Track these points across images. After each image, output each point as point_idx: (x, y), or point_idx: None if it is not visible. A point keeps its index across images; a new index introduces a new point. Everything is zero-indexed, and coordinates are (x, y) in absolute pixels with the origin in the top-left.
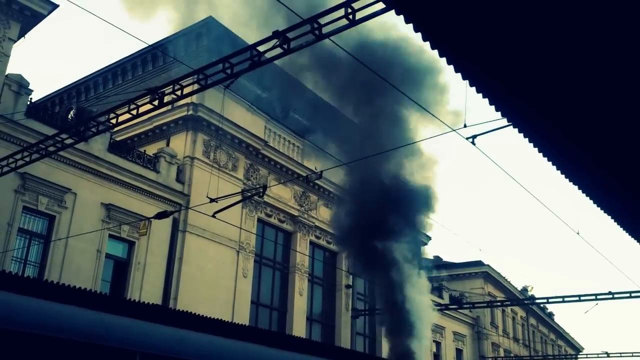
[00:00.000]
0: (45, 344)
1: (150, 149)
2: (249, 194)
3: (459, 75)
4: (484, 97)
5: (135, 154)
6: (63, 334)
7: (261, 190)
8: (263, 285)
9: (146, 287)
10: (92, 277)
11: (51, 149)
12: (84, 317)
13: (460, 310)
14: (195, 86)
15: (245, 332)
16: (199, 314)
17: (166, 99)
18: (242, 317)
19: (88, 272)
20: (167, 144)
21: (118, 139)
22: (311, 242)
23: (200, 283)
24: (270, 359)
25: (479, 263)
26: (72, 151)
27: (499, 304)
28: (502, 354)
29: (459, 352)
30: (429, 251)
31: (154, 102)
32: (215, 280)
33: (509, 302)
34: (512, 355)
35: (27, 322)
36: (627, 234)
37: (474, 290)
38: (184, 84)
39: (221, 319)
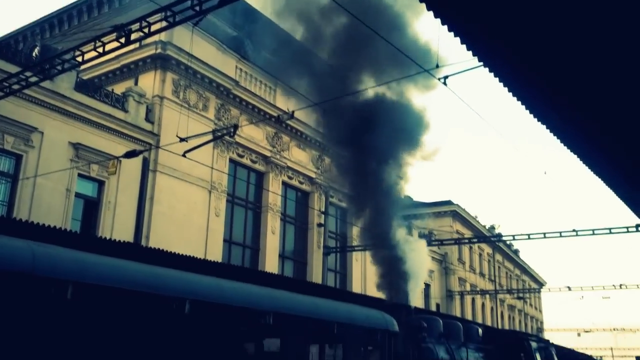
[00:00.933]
0: (104, 294)
1: (119, 88)
2: (220, 134)
3: (433, 18)
4: (455, 36)
5: (103, 93)
6: (124, 285)
7: (232, 130)
8: (235, 224)
9: (117, 226)
10: (62, 216)
11: (15, 87)
12: (137, 269)
13: (428, 247)
14: (163, 23)
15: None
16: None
17: (133, 36)
18: (215, 255)
19: (58, 211)
20: (136, 83)
21: (85, 77)
22: (284, 183)
23: (171, 222)
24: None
25: (448, 202)
26: (38, 89)
27: (466, 241)
28: (468, 288)
29: (427, 286)
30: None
31: (120, 40)
32: (187, 220)
33: (476, 240)
34: (477, 289)
35: (89, 274)
36: (592, 172)
37: (442, 228)
38: (151, 22)
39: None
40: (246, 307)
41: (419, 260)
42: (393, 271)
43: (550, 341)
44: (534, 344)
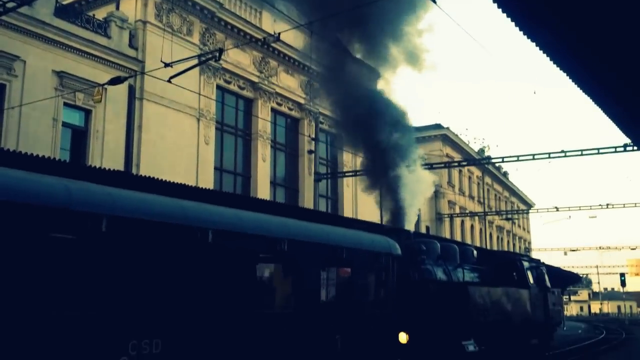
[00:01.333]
0: (136, 227)
1: (100, 14)
2: (205, 58)
3: None
4: None
5: (83, 18)
6: (154, 217)
7: (217, 54)
8: (226, 152)
9: (107, 155)
10: (50, 145)
11: None
12: (165, 202)
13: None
14: None
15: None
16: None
17: None
18: (207, 183)
19: (45, 140)
20: (117, 8)
21: (64, 2)
22: (273, 109)
23: (161, 151)
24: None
25: (437, 126)
26: (16, 16)
27: (456, 164)
28: (457, 210)
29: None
30: None
31: None
32: (177, 148)
33: (465, 163)
34: (467, 211)
35: (121, 208)
36: (582, 90)
37: (432, 152)
38: None
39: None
40: (264, 235)
41: (418, 184)
42: (394, 196)
43: (541, 260)
44: (525, 264)
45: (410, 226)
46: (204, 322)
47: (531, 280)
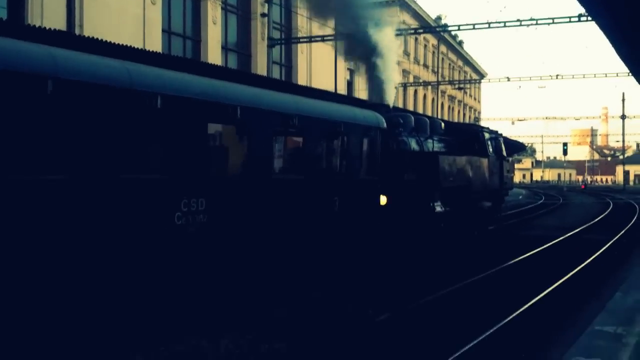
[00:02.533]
0: (185, 104)
1: None
2: None
3: None
4: None
5: None
6: (198, 96)
7: None
8: (174, 14)
9: (47, 14)
10: None
11: None
12: (204, 82)
13: None
14: None
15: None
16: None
17: None
18: (154, 46)
19: None
20: None
21: None
22: None
23: (105, 11)
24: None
25: None
26: None
27: (412, 31)
28: (411, 80)
29: None
30: None
31: None
32: (121, 8)
33: (422, 30)
34: (420, 80)
35: (172, 87)
36: None
37: (389, 18)
38: None
39: None
40: (279, 111)
41: (390, 53)
42: (371, 69)
43: (499, 132)
44: (486, 135)
45: (390, 99)
46: (238, 185)
47: (490, 150)
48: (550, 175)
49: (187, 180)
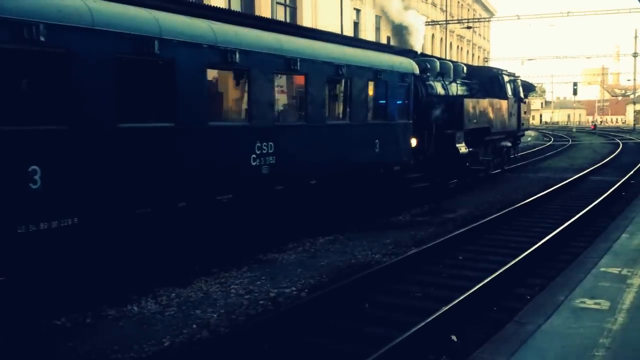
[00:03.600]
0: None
1: None
2: None
3: None
4: None
5: None
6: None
7: None
8: None
9: None
10: None
11: None
12: (267, 37)
13: None
14: None
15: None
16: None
17: None
18: None
19: None
20: None
21: None
22: None
23: None
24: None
25: None
26: None
27: None
28: None
29: (378, 18)
30: None
31: None
32: None
33: None
34: (429, 20)
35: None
36: None
37: None
38: None
39: None
40: (330, 62)
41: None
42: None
43: (516, 74)
44: (506, 78)
45: (417, 45)
46: (299, 129)
47: (509, 93)
48: (559, 116)
49: (260, 127)
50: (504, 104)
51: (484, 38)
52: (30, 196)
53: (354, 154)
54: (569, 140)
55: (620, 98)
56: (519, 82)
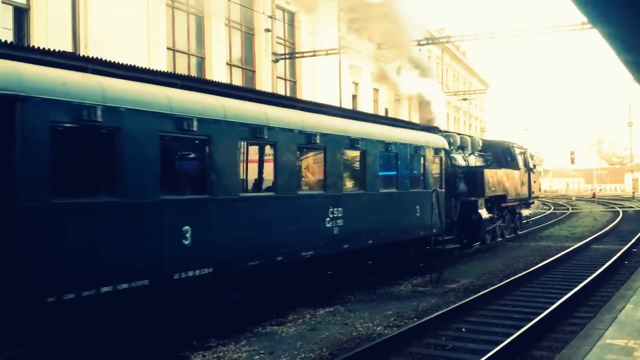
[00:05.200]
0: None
1: None
2: None
3: None
4: None
5: None
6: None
7: None
8: (178, 32)
9: (52, 34)
10: None
11: None
12: (338, 122)
13: (378, 51)
14: None
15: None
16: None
17: None
18: (160, 64)
19: None
20: None
21: None
22: None
23: (109, 30)
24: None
25: None
26: None
27: (415, 43)
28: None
29: (375, 91)
30: None
31: None
32: (126, 26)
33: (425, 42)
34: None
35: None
36: None
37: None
38: None
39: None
40: (383, 140)
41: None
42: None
43: (525, 147)
44: (517, 150)
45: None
46: (359, 197)
47: (520, 163)
48: (558, 184)
49: (332, 195)
50: (516, 173)
51: (480, 109)
52: (184, 249)
53: (401, 217)
54: (568, 209)
55: (618, 166)
56: (529, 154)
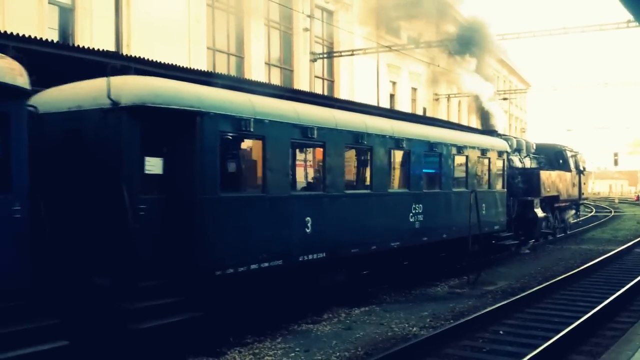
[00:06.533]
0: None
1: None
2: None
3: None
4: None
5: None
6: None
7: None
8: (218, 32)
9: (96, 35)
10: (37, 24)
11: None
12: (417, 128)
13: (417, 50)
14: None
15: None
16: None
17: None
18: (200, 63)
19: (32, 19)
20: None
21: None
22: None
23: (151, 31)
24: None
25: None
26: None
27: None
28: (455, 91)
29: (414, 90)
30: None
31: None
32: (167, 27)
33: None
34: (464, 92)
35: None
36: None
37: (432, 29)
38: None
39: None
40: (456, 145)
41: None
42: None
43: (576, 149)
44: (568, 153)
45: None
46: (435, 195)
47: (572, 166)
48: (600, 186)
49: (414, 193)
50: (568, 175)
51: (521, 109)
52: (306, 237)
53: (464, 212)
54: (611, 211)
55: None
56: (579, 157)
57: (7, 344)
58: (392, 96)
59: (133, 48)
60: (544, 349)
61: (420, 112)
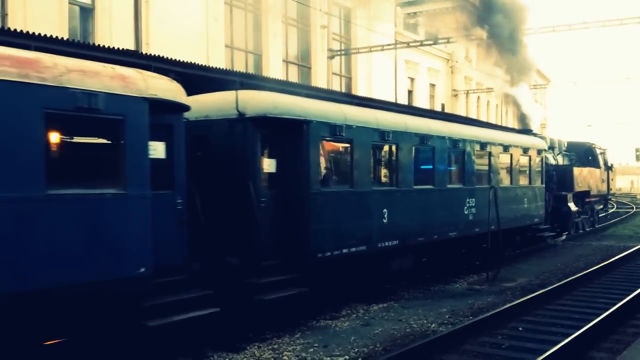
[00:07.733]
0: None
1: None
2: None
3: None
4: None
5: None
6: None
7: None
8: (236, 29)
9: (115, 33)
10: (57, 24)
11: None
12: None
13: (435, 46)
14: None
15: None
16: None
17: None
18: (218, 61)
19: (52, 19)
20: None
21: None
22: None
23: (170, 29)
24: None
25: None
26: None
27: (473, 37)
28: (473, 86)
29: (432, 86)
30: None
31: None
32: (185, 25)
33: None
34: (484, 87)
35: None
36: None
37: (449, 24)
38: None
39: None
40: (502, 144)
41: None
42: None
43: (604, 147)
44: (597, 150)
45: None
46: (487, 191)
47: (601, 163)
48: (622, 182)
49: (469, 188)
50: (597, 172)
51: (541, 104)
52: (383, 226)
53: (516, 208)
54: (632, 207)
55: None
56: (607, 154)
57: (174, 309)
58: (410, 92)
59: (152, 47)
60: (563, 345)
61: (438, 108)
